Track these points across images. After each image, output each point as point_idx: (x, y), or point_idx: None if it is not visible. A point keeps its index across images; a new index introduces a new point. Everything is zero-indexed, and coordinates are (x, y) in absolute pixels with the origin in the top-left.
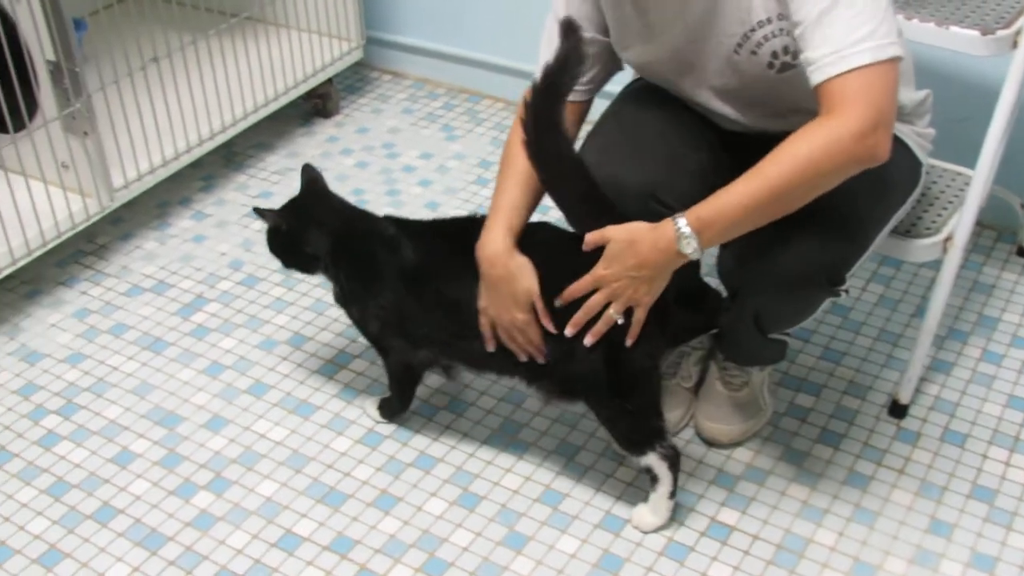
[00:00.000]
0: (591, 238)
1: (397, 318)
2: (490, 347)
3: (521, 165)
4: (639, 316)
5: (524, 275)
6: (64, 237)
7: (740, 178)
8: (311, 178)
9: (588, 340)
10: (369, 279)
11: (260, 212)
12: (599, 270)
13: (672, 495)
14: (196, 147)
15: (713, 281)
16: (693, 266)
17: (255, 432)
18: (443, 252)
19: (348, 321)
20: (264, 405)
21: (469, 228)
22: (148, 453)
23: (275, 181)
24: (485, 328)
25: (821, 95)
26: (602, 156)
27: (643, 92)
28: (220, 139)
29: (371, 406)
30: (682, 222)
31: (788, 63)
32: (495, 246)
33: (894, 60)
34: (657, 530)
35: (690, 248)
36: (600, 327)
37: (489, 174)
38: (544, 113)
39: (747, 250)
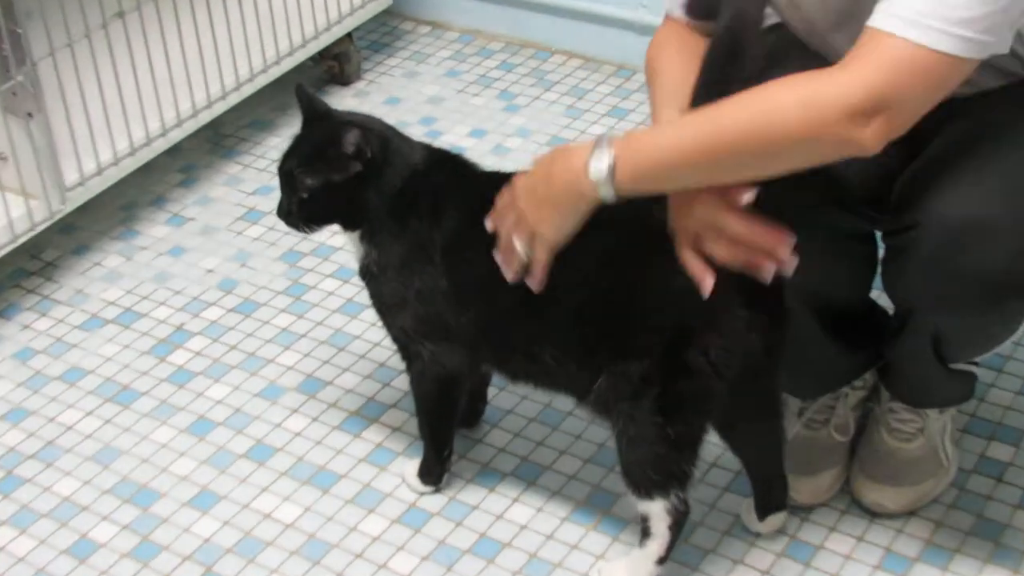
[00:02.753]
0: None
1: (435, 308)
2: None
3: (673, 76)
4: (538, 254)
5: None
6: (0, 253)
7: (697, 110)
8: (311, 98)
9: (533, 286)
10: (412, 249)
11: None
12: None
13: (661, 561)
14: (173, 129)
15: (876, 294)
16: (862, 280)
17: (257, 511)
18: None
19: (379, 359)
20: (268, 474)
21: None
22: (115, 542)
23: None
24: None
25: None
26: None
27: (781, 50)
28: (204, 117)
29: (411, 472)
30: (607, 136)
31: None
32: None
33: (958, 59)
34: None
35: (596, 167)
36: (506, 256)
37: None
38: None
39: (923, 252)
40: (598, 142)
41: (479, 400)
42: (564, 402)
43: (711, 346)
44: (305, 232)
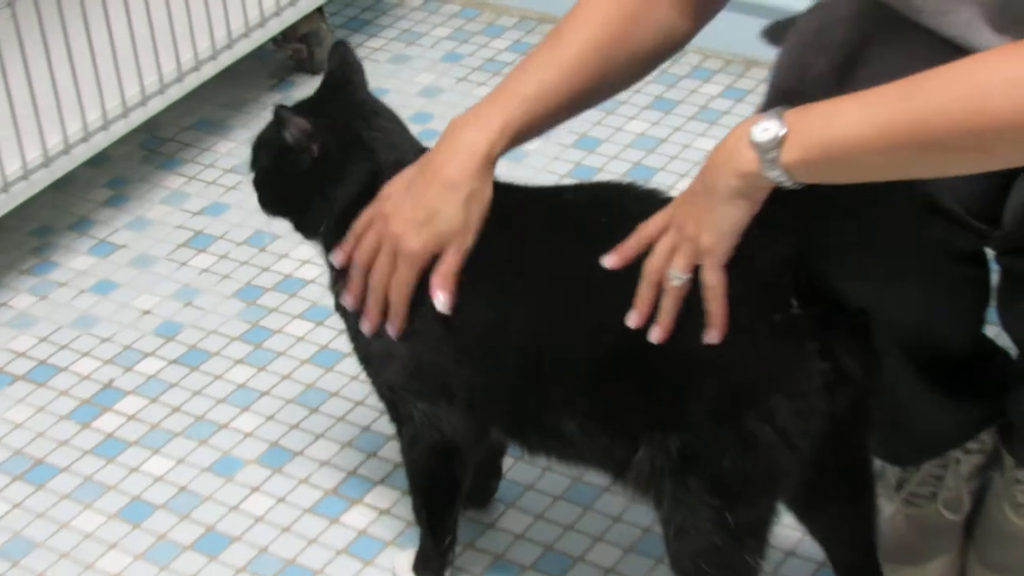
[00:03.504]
0: None
1: (428, 358)
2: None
3: (582, 36)
4: (708, 278)
5: (467, 206)
6: None
7: (897, 81)
8: (343, 62)
9: (655, 336)
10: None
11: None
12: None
13: None
14: (98, 132)
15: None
16: (971, 312)
17: None
18: (523, 237)
19: (362, 422)
20: (222, 571)
21: (592, 203)
22: None
23: (231, 184)
24: (358, 226)
25: None
26: None
27: (871, 26)
28: (137, 118)
29: (404, 566)
30: (779, 108)
31: None
32: (470, 142)
33: None
34: None
35: (760, 132)
36: (666, 304)
37: (595, 159)
38: None
39: None
40: (767, 112)
41: (491, 474)
42: (599, 475)
43: (777, 410)
44: (267, 214)
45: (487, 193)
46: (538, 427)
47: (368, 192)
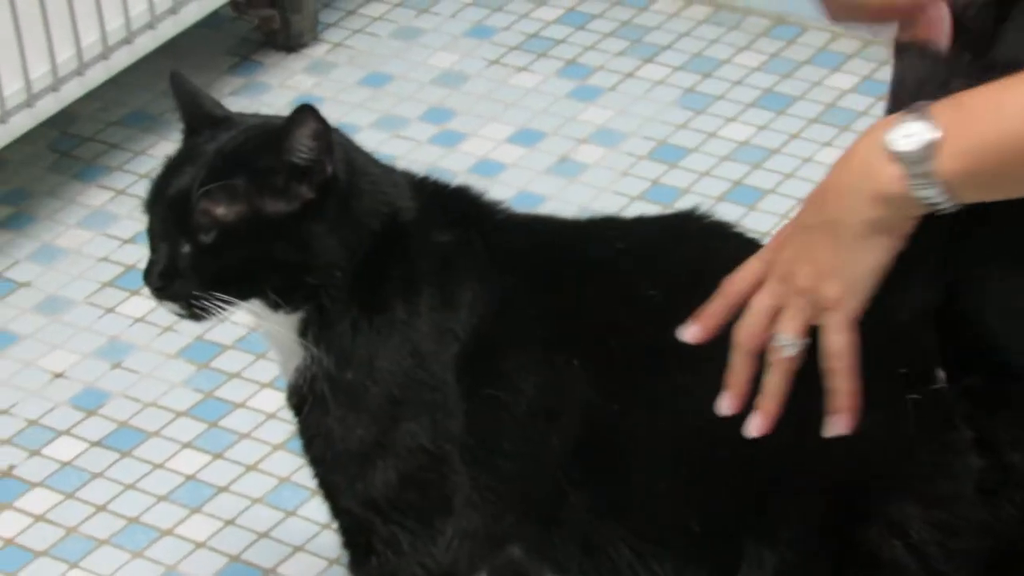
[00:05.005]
0: None
1: (437, 460)
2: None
3: None
4: (833, 343)
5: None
6: None
7: None
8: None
9: (754, 427)
10: (400, 354)
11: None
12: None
13: None
14: None
15: None
16: None
17: None
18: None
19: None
20: None
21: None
22: None
23: None
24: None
25: None
26: None
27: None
28: (45, 109)
29: None
30: (921, 104)
31: None
32: None
33: None
34: None
35: (900, 137)
36: (772, 382)
37: (678, 175)
38: None
39: None
40: (906, 110)
41: None
42: None
43: (912, 521)
44: (199, 314)
45: None
46: (583, 541)
47: (392, 226)
